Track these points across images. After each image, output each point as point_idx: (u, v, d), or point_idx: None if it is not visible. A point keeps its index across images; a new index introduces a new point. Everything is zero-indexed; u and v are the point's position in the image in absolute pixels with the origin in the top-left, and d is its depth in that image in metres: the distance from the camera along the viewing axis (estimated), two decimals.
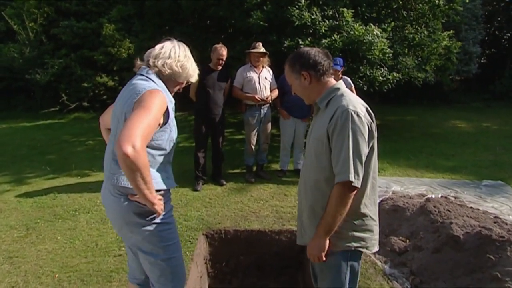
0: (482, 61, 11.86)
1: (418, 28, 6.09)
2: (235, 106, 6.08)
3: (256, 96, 4.17)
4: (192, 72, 1.61)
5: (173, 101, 1.57)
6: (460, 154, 5.82)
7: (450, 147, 6.18)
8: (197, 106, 4.22)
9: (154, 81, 1.49)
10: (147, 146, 1.38)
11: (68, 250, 2.82)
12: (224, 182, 4.30)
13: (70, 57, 10.04)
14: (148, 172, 1.31)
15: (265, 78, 4.30)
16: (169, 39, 1.61)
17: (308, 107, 4.51)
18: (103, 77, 10.31)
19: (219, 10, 5.26)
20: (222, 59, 4.04)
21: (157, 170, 1.50)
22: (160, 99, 1.40)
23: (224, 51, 4.02)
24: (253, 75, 4.23)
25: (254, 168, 4.63)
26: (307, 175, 1.54)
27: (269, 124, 4.47)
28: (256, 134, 4.39)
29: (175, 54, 1.55)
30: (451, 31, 6.63)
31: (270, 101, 4.34)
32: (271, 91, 4.33)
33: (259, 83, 4.23)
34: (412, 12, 6.03)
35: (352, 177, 1.34)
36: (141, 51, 7.51)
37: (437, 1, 5.79)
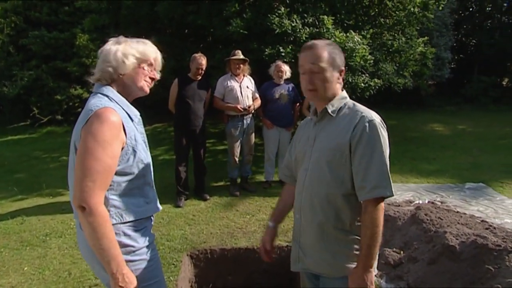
0: (452, 66, 12.34)
1: (395, 35, 6.19)
2: (215, 117, 5.92)
3: (239, 106, 4.04)
4: (137, 50, 1.28)
5: (138, 114, 1.34)
6: (440, 157, 5.91)
7: (431, 151, 6.28)
8: (177, 118, 4.04)
9: (107, 95, 1.25)
10: None
11: (36, 282, 2.54)
12: (208, 197, 4.11)
13: (41, 68, 9.60)
14: (107, 234, 1.13)
15: (247, 87, 4.18)
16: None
17: (292, 115, 4.43)
18: (78, 89, 9.90)
19: (197, 18, 5.12)
20: (202, 69, 3.90)
21: (130, 197, 1.27)
22: (111, 124, 1.16)
23: (203, 60, 3.88)
24: (234, 84, 4.11)
25: (239, 180, 4.47)
26: (315, 190, 1.33)
27: (253, 135, 4.35)
28: (240, 145, 4.25)
29: (105, 52, 1.28)
30: (426, 38, 6.80)
31: (253, 111, 4.22)
32: (253, 100, 4.21)
33: (241, 92, 4.11)
34: (389, 20, 6.13)
35: (390, 192, 1.24)
36: None
37: (412, 9, 5.92)
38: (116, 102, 1.25)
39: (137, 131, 1.30)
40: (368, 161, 1.24)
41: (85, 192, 1.10)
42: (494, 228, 2.60)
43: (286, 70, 4.24)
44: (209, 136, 6.48)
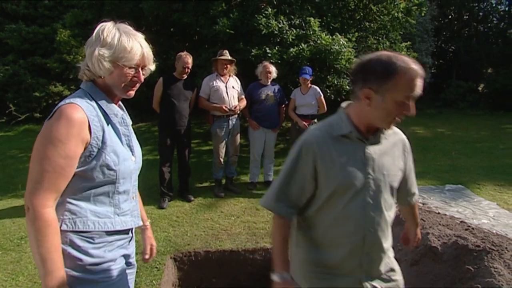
0: (433, 71, 12.72)
1: (380, 39, 6.31)
2: (200, 116, 5.85)
3: (224, 106, 4.00)
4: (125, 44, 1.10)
5: (120, 113, 1.19)
6: (422, 159, 6.05)
7: (413, 153, 6.37)
8: (162, 117, 3.96)
9: (83, 89, 1.14)
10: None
11: None
12: (192, 198, 4.05)
13: (19, 63, 9.24)
14: (48, 241, 0.99)
15: (233, 87, 4.15)
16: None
17: (278, 116, 4.43)
18: (58, 86, 9.59)
19: (183, 17, 5.05)
20: (188, 67, 3.85)
21: (93, 204, 1.12)
22: (70, 121, 1.03)
23: (189, 59, 3.83)
24: (220, 84, 4.06)
25: (223, 181, 4.42)
26: (385, 215, 1.22)
27: (238, 136, 4.31)
28: (225, 146, 4.20)
29: (87, 47, 1.12)
30: (409, 43, 6.97)
31: (239, 111, 4.19)
32: (239, 100, 4.18)
33: (227, 92, 4.07)
34: (373, 24, 6.24)
35: None
36: None
37: (396, 14, 6.04)
38: (92, 98, 1.13)
39: (112, 132, 1.15)
40: (411, 171, 1.38)
41: (29, 192, 1.00)
42: (473, 229, 2.67)
43: (273, 71, 4.24)
44: (194, 137, 6.40)
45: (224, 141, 4.17)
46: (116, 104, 1.21)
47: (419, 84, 1.10)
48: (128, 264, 1.26)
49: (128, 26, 1.16)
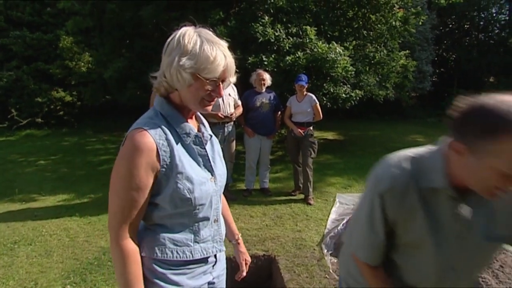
0: (434, 79, 12.76)
1: (378, 47, 6.35)
2: None
3: (219, 113, 4.03)
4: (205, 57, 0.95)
5: (192, 131, 1.04)
6: None
7: None
8: None
9: (153, 110, 1.04)
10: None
11: None
12: None
13: (22, 69, 9.39)
14: (128, 271, 0.98)
15: (229, 94, 4.18)
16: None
17: (273, 124, 4.44)
18: (60, 91, 9.73)
19: (181, 25, 5.12)
20: None
21: (171, 231, 1.05)
22: (137, 149, 0.94)
23: None
24: None
25: None
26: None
27: (234, 143, 4.33)
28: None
29: (166, 56, 0.99)
30: (407, 51, 7.01)
31: (234, 118, 4.22)
32: (235, 108, 4.21)
33: (223, 100, 4.10)
34: (371, 32, 6.29)
35: None
36: (100, 65, 7.21)
37: (394, 23, 6.09)
38: (163, 118, 1.01)
39: (186, 155, 1.02)
40: None
41: (108, 224, 1.00)
42: None
43: (267, 78, 4.27)
44: None
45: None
46: (191, 118, 1.09)
47: None
48: None
49: (209, 32, 1.01)
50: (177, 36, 0.98)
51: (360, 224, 1.02)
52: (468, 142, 0.81)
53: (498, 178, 0.80)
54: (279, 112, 4.45)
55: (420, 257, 0.97)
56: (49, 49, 9.62)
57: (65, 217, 3.72)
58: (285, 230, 3.34)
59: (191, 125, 1.05)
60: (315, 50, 4.69)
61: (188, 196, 0.99)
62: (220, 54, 0.97)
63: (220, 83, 1.01)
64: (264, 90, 4.30)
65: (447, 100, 12.65)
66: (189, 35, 0.97)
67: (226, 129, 4.17)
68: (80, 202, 4.26)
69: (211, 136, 1.13)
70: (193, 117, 1.10)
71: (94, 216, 3.73)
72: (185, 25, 1.01)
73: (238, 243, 1.33)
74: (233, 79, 1.06)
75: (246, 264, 1.34)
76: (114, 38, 6.17)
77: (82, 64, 9.35)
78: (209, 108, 1.03)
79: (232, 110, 4.16)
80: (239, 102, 4.28)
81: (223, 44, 1.00)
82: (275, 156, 6.29)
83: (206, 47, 0.96)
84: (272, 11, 4.98)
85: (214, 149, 1.13)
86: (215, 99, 1.03)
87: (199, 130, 1.10)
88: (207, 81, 0.97)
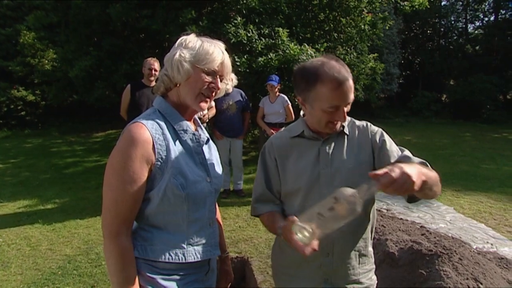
0: (400, 81, 13.34)
1: (348, 50, 6.53)
2: None
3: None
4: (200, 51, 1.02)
5: (189, 128, 1.06)
6: None
7: None
8: None
9: (152, 108, 1.07)
10: None
11: None
12: None
13: None
14: (120, 268, 0.95)
15: None
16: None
17: (241, 126, 4.41)
18: (21, 90, 9.17)
19: (152, 23, 5.00)
20: (154, 69, 3.77)
21: (163, 231, 1.02)
22: (133, 140, 0.94)
23: (155, 63, 3.78)
24: None
25: None
26: None
27: None
28: None
29: (170, 53, 1.06)
30: (376, 54, 7.27)
31: (207, 120, 4.17)
32: (208, 109, 4.16)
33: None
34: (342, 35, 6.46)
35: None
36: (65, 63, 6.87)
37: (363, 26, 6.30)
38: (161, 115, 1.03)
39: (182, 151, 1.02)
40: (387, 143, 1.21)
41: (102, 220, 0.97)
42: (430, 233, 2.79)
43: (233, 78, 4.23)
44: None
45: None
46: (189, 120, 1.09)
47: (344, 93, 1.05)
48: None
49: (208, 38, 1.10)
50: (179, 39, 1.08)
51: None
52: (301, 94, 1.13)
53: (326, 115, 1.09)
54: (248, 112, 4.42)
55: (297, 203, 1.17)
56: (8, 44, 9.06)
57: (25, 225, 3.51)
58: (258, 231, 3.34)
59: (189, 123, 1.08)
60: (287, 51, 4.74)
61: (181, 192, 0.98)
62: (218, 50, 1.05)
63: (218, 77, 1.06)
64: (231, 90, 4.27)
65: (413, 101, 13.28)
66: (190, 37, 1.07)
67: None
68: (44, 208, 4.03)
69: (208, 139, 1.16)
70: (191, 120, 1.13)
71: (59, 222, 3.55)
72: (186, 34, 1.10)
73: (225, 260, 1.28)
74: (229, 85, 1.15)
75: (228, 282, 1.29)
76: (81, 35, 5.91)
77: (46, 61, 8.87)
78: (204, 106, 1.05)
79: (205, 111, 4.12)
80: (212, 103, 4.23)
81: (221, 44, 1.08)
82: (248, 156, 6.29)
83: (205, 44, 1.04)
84: (244, 11, 4.98)
85: (212, 152, 1.15)
86: (212, 94, 1.06)
87: (196, 131, 1.13)
88: (206, 71, 1.02)
